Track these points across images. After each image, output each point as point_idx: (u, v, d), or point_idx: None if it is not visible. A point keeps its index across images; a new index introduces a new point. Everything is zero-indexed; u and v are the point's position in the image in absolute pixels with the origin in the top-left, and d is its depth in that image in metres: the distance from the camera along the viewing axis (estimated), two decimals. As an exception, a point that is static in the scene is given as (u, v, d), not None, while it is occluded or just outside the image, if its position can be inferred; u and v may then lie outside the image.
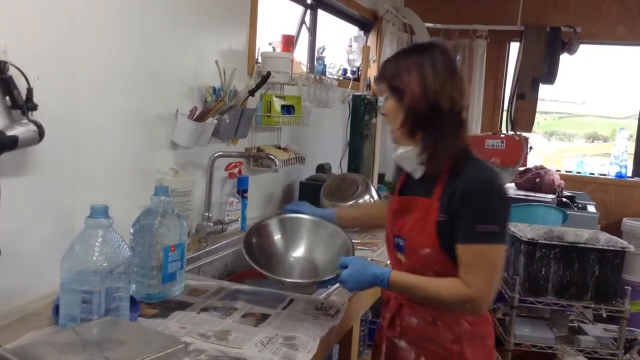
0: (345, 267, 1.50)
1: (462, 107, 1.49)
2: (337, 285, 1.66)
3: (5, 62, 1.32)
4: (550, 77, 4.36)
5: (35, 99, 1.39)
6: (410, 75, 1.48)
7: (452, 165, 1.47)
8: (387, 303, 1.64)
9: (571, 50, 4.32)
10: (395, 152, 1.58)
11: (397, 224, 1.57)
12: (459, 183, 1.44)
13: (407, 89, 1.47)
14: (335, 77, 3.46)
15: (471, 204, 1.42)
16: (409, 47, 1.63)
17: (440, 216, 1.45)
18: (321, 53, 3.29)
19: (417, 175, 1.54)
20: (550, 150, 5.65)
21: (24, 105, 1.37)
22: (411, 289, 1.49)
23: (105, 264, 1.28)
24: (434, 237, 1.46)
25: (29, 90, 1.38)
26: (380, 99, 3.22)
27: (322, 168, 3.07)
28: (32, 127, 1.37)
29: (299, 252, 1.77)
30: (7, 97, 1.34)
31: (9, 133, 1.32)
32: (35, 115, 1.39)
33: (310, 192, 2.79)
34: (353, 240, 1.88)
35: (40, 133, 1.39)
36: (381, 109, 1.59)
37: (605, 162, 4.76)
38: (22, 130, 1.35)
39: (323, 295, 1.70)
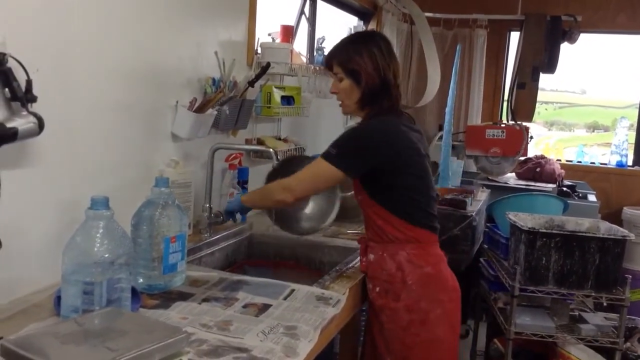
0: None
1: (399, 84, 1.85)
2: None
3: (4, 54, 1.32)
4: (550, 66, 4.34)
5: (35, 91, 1.38)
6: (363, 58, 1.79)
7: None
8: (361, 247, 1.96)
9: (572, 40, 4.30)
10: (348, 123, 1.98)
11: None
12: None
13: (362, 70, 1.79)
14: (335, 67, 3.45)
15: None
16: (353, 35, 2.01)
17: None
18: (321, 43, 3.28)
19: None
20: (551, 140, 5.65)
21: (24, 97, 1.36)
22: (254, 192, 1.96)
23: (107, 255, 1.28)
24: (359, 185, 1.84)
25: (29, 82, 1.37)
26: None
27: (322, 159, 3.06)
28: (32, 119, 1.37)
29: None
30: (7, 89, 1.34)
31: (9, 125, 1.31)
32: (35, 107, 1.39)
33: (311, 183, 2.78)
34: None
35: (40, 125, 1.38)
36: (333, 88, 1.89)
37: (606, 152, 4.76)
38: (21, 122, 1.34)
39: (324, 285, 1.71)
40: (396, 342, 1.81)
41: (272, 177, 2.13)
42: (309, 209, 2.24)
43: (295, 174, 1.82)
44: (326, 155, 1.77)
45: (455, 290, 1.88)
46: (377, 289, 1.84)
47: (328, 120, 3.36)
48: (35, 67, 1.41)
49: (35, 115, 1.37)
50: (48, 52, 1.48)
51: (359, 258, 2.01)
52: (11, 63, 1.34)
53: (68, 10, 1.53)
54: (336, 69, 1.84)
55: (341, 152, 1.76)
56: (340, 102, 1.91)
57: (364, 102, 1.83)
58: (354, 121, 1.89)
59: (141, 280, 1.55)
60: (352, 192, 2.59)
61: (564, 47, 4.34)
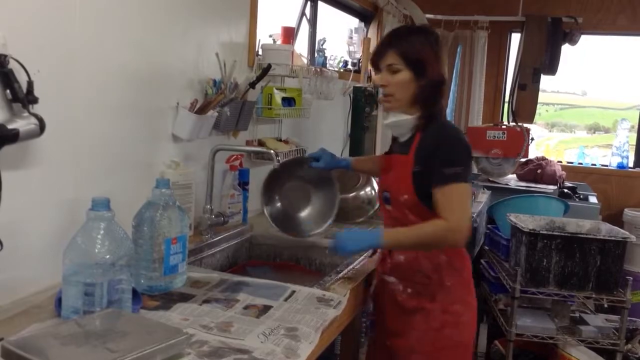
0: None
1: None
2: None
3: (5, 55, 1.32)
4: (551, 68, 4.34)
5: (36, 92, 1.39)
6: (428, 49, 1.71)
7: (425, 127, 1.75)
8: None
9: (572, 41, 4.30)
10: (387, 119, 1.82)
11: (384, 180, 1.89)
12: (429, 140, 1.72)
13: (428, 62, 1.70)
14: (336, 69, 3.46)
15: (439, 155, 1.68)
16: (409, 26, 1.88)
17: (414, 167, 1.72)
18: (322, 45, 3.28)
19: (404, 138, 1.81)
20: (552, 141, 5.65)
21: (25, 99, 1.36)
22: (401, 235, 1.75)
23: (108, 257, 1.28)
24: (410, 185, 1.73)
25: (30, 84, 1.37)
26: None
27: (323, 160, 3.06)
28: (33, 120, 1.37)
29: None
30: (8, 91, 1.34)
31: (10, 126, 1.32)
32: (36, 108, 1.39)
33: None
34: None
35: (41, 126, 1.39)
36: (382, 80, 1.75)
37: (607, 153, 4.76)
38: (23, 123, 1.35)
39: (325, 287, 1.70)
40: (427, 343, 1.78)
41: (271, 178, 2.13)
42: (309, 210, 2.23)
43: (444, 213, 1.66)
44: (457, 177, 1.66)
45: (475, 295, 1.88)
46: (409, 290, 1.81)
47: (329, 121, 3.37)
48: (36, 69, 1.41)
49: (36, 116, 1.38)
50: (49, 53, 1.48)
51: (360, 259, 2.00)
52: (12, 64, 1.34)
53: (69, 12, 1.54)
54: (393, 58, 1.71)
55: (464, 167, 1.68)
56: (386, 96, 1.76)
57: (421, 98, 1.72)
58: (396, 117, 1.76)
59: (142, 281, 1.55)
60: (353, 193, 2.61)
61: (565, 48, 4.34)
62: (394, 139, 1.89)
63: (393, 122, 1.79)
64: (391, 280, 1.86)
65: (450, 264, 1.80)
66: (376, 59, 1.77)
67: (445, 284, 1.79)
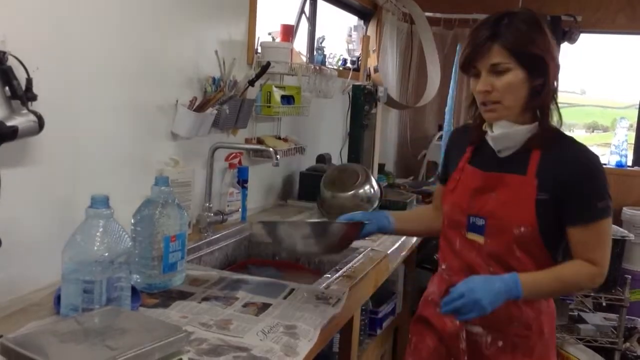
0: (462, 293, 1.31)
1: None
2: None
3: (5, 52, 1.32)
4: (550, 66, 4.34)
5: (35, 90, 1.39)
6: (543, 39, 1.36)
7: (545, 141, 1.41)
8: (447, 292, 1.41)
9: (571, 40, 4.30)
10: (493, 130, 1.43)
11: (477, 203, 1.46)
12: (562, 161, 1.38)
13: (551, 57, 1.37)
14: (335, 67, 3.45)
15: (585, 183, 1.36)
16: (512, 11, 1.40)
17: (540, 194, 1.38)
18: (321, 43, 3.28)
19: (508, 153, 1.45)
20: (551, 140, 5.64)
21: (24, 96, 1.36)
22: (546, 284, 1.39)
23: (107, 254, 1.28)
24: (533, 216, 1.38)
25: (29, 81, 1.37)
26: (377, 85, 3.21)
27: (322, 158, 3.07)
28: (32, 117, 1.37)
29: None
30: (7, 88, 1.34)
31: (9, 123, 1.31)
32: (35, 105, 1.39)
33: (311, 182, 2.79)
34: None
35: (40, 124, 1.38)
36: (484, 85, 1.39)
37: (606, 152, 4.76)
38: (21, 120, 1.35)
39: (324, 285, 1.70)
40: None
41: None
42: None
43: (592, 255, 1.38)
44: (608, 211, 1.38)
45: None
46: (500, 343, 1.48)
47: (328, 119, 3.37)
48: (35, 66, 1.41)
49: (35, 113, 1.37)
50: (48, 50, 1.48)
51: (359, 257, 2.00)
52: (11, 61, 1.34)
53: (68, 9, 1.53)
54: (499, 56, 1.35)
55: (610, 197, 1.39)
56: (489, 104, 1.41)
57: (535, 104, 1.40)
58: (506, 128, 1.41)
59: (141, 279, 1.55)
60: (352, 191, 2.60)
61: (564, 47, 4.34)
62: (475, 150, 1.53)
63: (503, 134, 1.42)
64: (476, 331, 1.51)
65: (549, 307, 1.52)
66: (472, 60, 1.41)
67: (543, 331, 1.49)
